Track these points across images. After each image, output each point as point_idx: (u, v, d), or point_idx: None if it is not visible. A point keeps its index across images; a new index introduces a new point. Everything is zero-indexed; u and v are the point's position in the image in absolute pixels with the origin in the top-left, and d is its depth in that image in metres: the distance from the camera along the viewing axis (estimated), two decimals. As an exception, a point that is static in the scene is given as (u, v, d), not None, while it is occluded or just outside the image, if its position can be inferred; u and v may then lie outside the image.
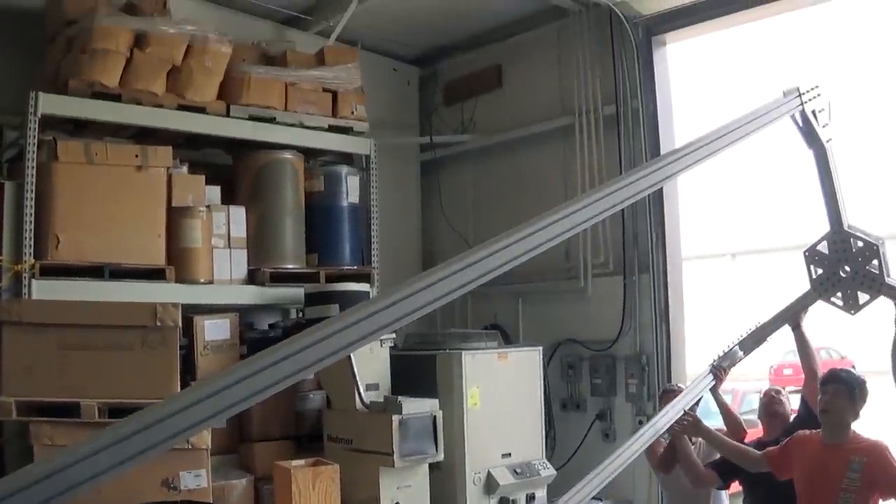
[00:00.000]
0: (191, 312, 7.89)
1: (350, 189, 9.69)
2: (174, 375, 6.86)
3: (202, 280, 8.41)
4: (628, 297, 9.52)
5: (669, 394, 7.66)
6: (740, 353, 7.00)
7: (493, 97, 11.18)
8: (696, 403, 6.99)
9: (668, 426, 6.71)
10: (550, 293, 10.21)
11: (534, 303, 10.42)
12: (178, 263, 8.21)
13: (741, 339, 7.06)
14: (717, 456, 7.26)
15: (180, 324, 7.01)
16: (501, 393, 8.44)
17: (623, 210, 9.11)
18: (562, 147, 10.27)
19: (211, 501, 6.73)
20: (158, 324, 6.78)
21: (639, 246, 9.47)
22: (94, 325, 6.69)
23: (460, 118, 11.47)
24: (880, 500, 5.92)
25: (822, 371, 6.73)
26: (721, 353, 7.01)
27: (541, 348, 9.06)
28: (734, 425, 7.37)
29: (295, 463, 7.17)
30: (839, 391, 5.99)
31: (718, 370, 6.90)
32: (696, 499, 7.38)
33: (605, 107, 9.79)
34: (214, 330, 8.16)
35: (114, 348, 6.65)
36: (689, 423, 6.82)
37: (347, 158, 9.96)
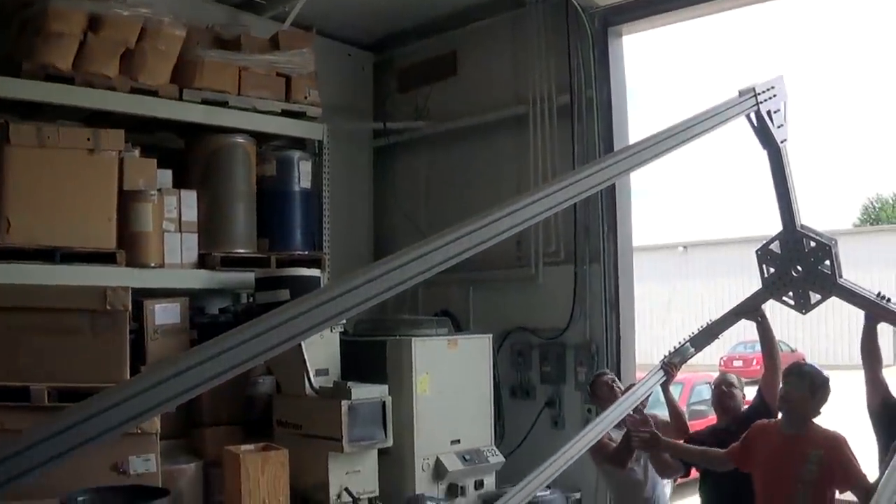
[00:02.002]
0: (141, 296, 7.85)
1: (302, 174, 9.69)
2: (124, 359, 6.85)
3: (153, 264, 8.37)
4: (579, 286, 9.54)
5: (600, 378, 7.77)
6: (691, 350, 7.06)
7: (448, 84, 11.15)
8: (647, 398, 7.05)
9: (619, 419, 6.75)
10: (501, 281, 10.23)
11: (485, 290, 10.44)
12: (128, 247, 8.15)
13: (692, 336, 7.12)
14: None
15: (130, 308, 6.99)
16: (451, 380, 8.50)
17: (575, 199, 9.16)
18: (516, 135, 10.28)
19: (160, 486, 6.71)
20: (108, 308, 6.76)
21: (590, 235, 9.50)
22: (43, 308, 6.65)
23: (414, 105, 11.45)
24: (836, 492, 6.00)
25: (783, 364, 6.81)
26: (672, 350, 7.07)
27: (491, 336, 9.14)
28: (679, 423, 7.45)
29: (244, 448, 7.19)
30: (800, 383, 6.06)
31: (669, 366, 6.95)
32: (641, 489, 7.45)
33: (560, 96, 9.80)
34: (164, 314, 8.13)
35: (63, 332, 6.61)
36: (649, 438, 6.86)
37: (300, 143, 9.96)
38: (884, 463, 5.89)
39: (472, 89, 10.88)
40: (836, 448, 5.93)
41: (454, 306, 10.38)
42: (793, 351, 32.37)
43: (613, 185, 9.13)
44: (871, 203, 58.91)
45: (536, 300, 9.98)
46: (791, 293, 6.67)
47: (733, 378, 7.42)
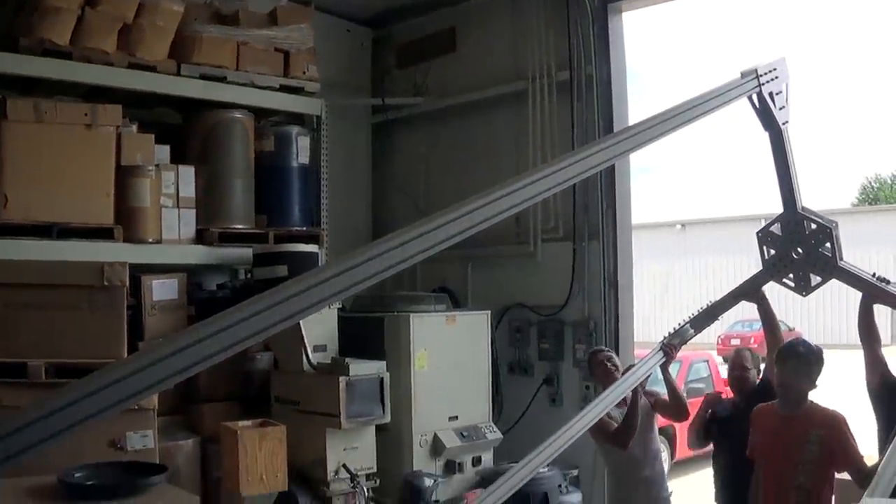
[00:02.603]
0: (138, 272, 7.85)
1: (300, 150, 9.68)
2: (121, 335, 6.83)
3: (150, 239, 8.35)
4: (577, 263, 9.53)
5: (596, 356, 7.75)
6: (691, 331, 7.05)
7: (447, 61, 11.10)
8: (646, 379, 7.05)
9: (619, 399, 6.74)
10: (500, 257, 10.20)
11: (483, 267, 10.41)
12: (126, 223, 8.13)
13: (692, 317, 7.11)
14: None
15: (128, 283, 6.97)
16: (449, 356, 8.52)
17: (574, 176, 9.12)
18: (514, 112, 10.25)
19: (158, 462, 6.70)
20: (106, 283, 6.73)
21: (589, 212, 9.47)
22: (40, 284, 6.62)
23: (413, 81, 11.41)
24: (835, 473, 6.01)
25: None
26: (672, 331, 7.06)
27: (489, 312, 9.16)
28: (678, 404, 7.47)
29: (242, 423, 7.17)
30: (798, 366, 6.06)
31: (669, 347, 6.93)
32: (639, 468, 7.43)
33: (559, 73, 9.76)
34: (162, 290, 8.12)
35: (60, 308, 6.59)
36: None
37: (298, 119, 9.94)
38: (883, 442, 5.90)
39: (471, 65, 10.83)
40: (835, 427, 5.93)
41: (452, 282, 10.36)
42: (791, 329, 32.51)
43: (612, 164, 9.11)
44: (870, 183, 59.01)
45: (535, 277, 9.97)
46: (791, 275, 6.64)
47: (746, 360, 7.46)
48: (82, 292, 6.68)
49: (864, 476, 5.62)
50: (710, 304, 7.12)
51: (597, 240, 9.42)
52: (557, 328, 9.71)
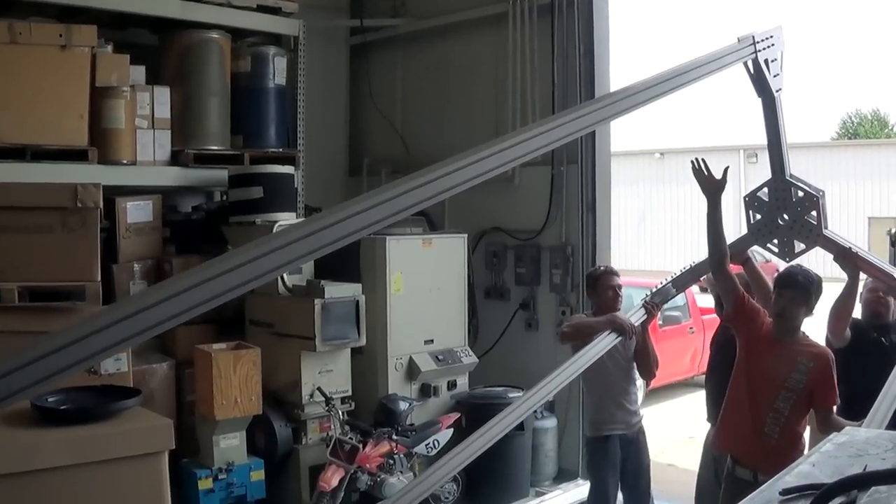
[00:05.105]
0: (113, 194, 7.82)
1: (277, 70, 9.59)
2: (95, 257, 6.76)
3: (125, 161, 8.30)
4: (555, 188, 9.48)
5: (610, 277, 7.55)
6: (673, 291, 7.08)
7: (426, -20, 10.98)
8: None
9: (602, 352, 6.67)
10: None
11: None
12: (100, 144, 8.08)
13: (675, 277, 7.13)
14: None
15: (101, 205, 6.90)
16: (425, 279, 8.55)
17: (553, 100, 9.05)
18: (494, 33, 10.12)
19: (131, 386, 6.69)
20: (79, 205, 6.64)
21: (568, 137, 9.40)
22: (12, 206, 6.54)
23: (392, 2, 11.28)
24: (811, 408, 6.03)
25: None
26: (654, 290, 7.07)
27: (466, 236, 9.16)
28: (647, 366, 7.38)
29: (216, 346, 7.21)
30: (796, 297, 6.03)
31: (651, 306, 6.94)
32: (618, 392, 7.39)
33: (540, -6, 9.64)
34: (137, 212, 8.10)
35: (33, 230, 6.50)
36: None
37: (275, 40, 9.84)
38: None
39: (450, -15, 10.69)
40: (823, 364, 5.91)
41: (429, 206, 10.29)
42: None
43: (592, 90, 9.06)
44: (850, 118, 59.07)
45: (512, 201, 9.91)
46: (776, 240, 6.70)
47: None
48: (55, 214, 6.60)
49: (827, 428, 5.67)
50: (692, 264, 7.14)
51: (575, 164, 9.35)
52: (534, 253, 9.69)
